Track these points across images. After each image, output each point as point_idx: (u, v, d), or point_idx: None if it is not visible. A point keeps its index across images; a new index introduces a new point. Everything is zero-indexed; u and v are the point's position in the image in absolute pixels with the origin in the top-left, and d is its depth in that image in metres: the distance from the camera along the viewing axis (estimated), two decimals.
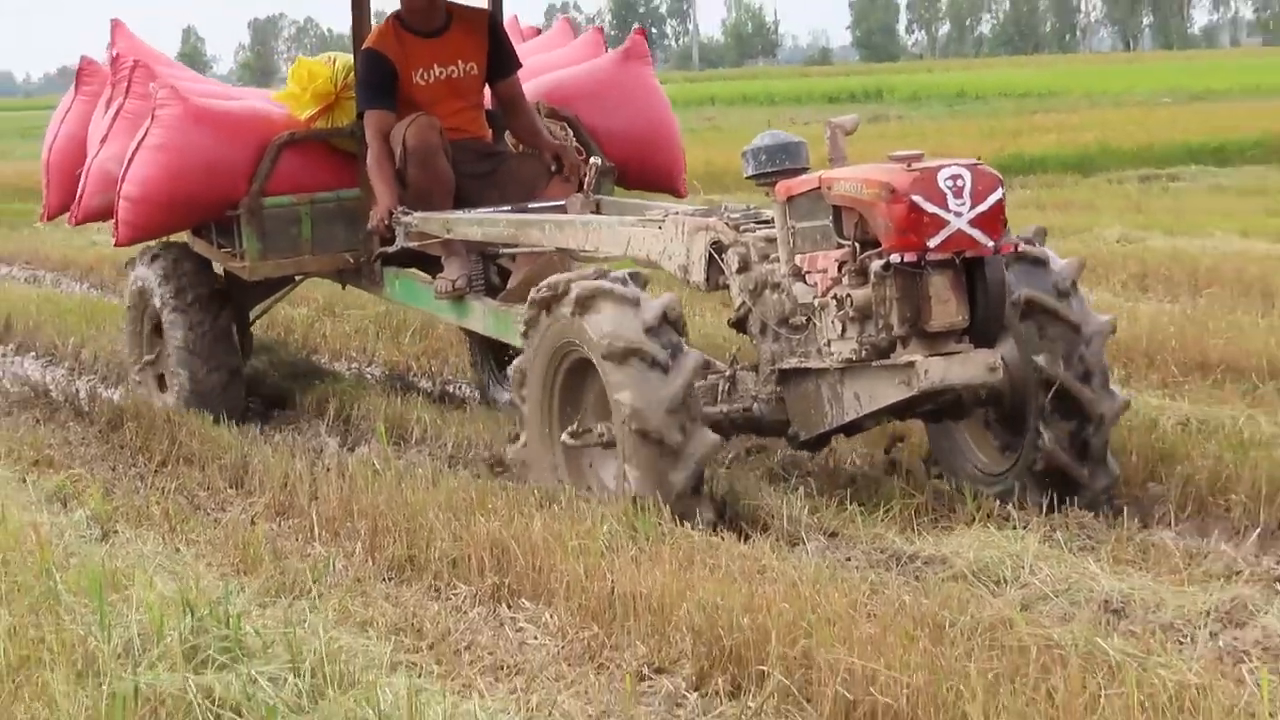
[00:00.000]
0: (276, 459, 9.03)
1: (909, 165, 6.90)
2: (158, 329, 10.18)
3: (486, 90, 9.71)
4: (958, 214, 6.84)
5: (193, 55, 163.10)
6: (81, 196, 10.01)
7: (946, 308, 6.93)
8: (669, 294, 7.54)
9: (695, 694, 5.69)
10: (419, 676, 5.69)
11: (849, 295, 7.04)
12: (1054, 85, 56.67)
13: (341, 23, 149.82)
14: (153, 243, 10.17)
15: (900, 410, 7.43)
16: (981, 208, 6.87)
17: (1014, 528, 7.41)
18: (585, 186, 9.17)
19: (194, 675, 5.34)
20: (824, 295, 7.25)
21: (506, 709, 5.38)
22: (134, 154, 9.43)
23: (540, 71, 10.25)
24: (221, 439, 9.86)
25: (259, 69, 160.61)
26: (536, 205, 9.23)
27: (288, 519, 8.28)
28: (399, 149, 9.09)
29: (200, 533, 7.94)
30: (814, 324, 7.48)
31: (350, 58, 9.69)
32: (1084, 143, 27.62)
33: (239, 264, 9.68)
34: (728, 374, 7.72)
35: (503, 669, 6.05)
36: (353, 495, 8.13)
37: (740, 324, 7.70)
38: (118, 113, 9.85)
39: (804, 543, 7.48)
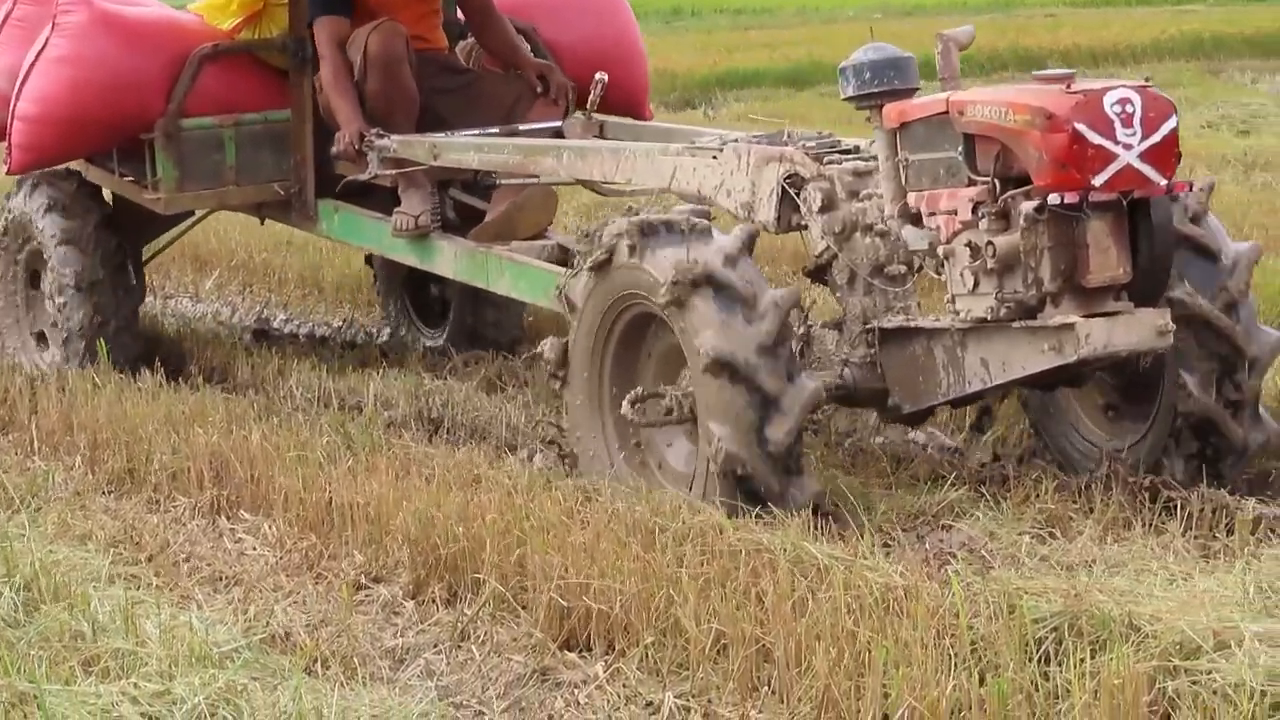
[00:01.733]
0: None
1: (1067, 86, 6.02)
2: (34, 273, 9.36)
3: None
4: (1127, 146, 5.94)
5: None
6: None
7: (1107, 258, 6.01)
8: (746, 224, 6.68)
9: (412, 602, 5.82)
10: (137, 589, 5.73)
11: (990, 243, 6.10)
12: (767, 3, 57.59)
13: None
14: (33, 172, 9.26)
15: (1036, 380, 6.53)
16: (1154, 139, 5.98)
17: None
18: (589, 105, 8.48)
19: None
20: (950, 241, 6.30)
21: (224, 619, 5.43)
22: (31, 67, 8.62)
23: None
24: None
25: None
26: (527, 128, 8.42)
27: (7, 434, 8.29)
28: (358, 59, 8.25)
29: None
30: (917, 274, 6.74)
31: None
32: (796, 58, 28.22)
33: (151, 195, 8.82)
34: (801, 331, 6.68)
35: (221, 580, 6.14)
36: (73, 410, 8.08)
37: (819, 272, 6.73)
38: (5, 20, 9.16)
39: (519, 450, 7.47)
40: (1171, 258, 6.13)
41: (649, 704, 5.08)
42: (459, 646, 5.53)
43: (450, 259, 8.17)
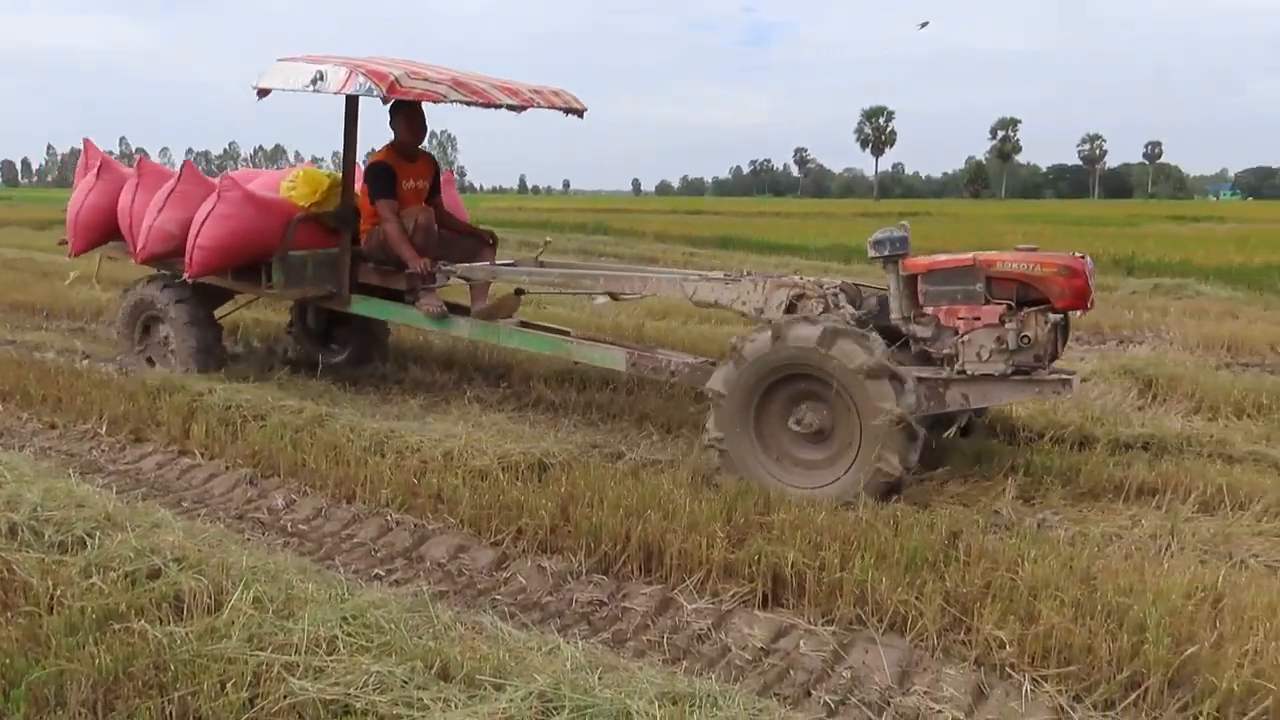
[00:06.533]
0: None
1: (1073, 253, 7.32)
2: (146, 326, 11.44)
3: None
4: (1093, 287, 7.35)
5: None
6: (146, 245, 10.79)
7: (1059, 344, 7.41)
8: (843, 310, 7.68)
9: None
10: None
11: (1024, 335, 7.26)
12: None
13: None
14: (153, 272, 11.31)
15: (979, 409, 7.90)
16: (1094, 281, 7.37)
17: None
18: (538, 255, 10.60)
19: None
20: (968, 334, 7.39)
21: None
22: (205, 220, 10.39)
23: None
24: None
25: None
26: (502, 263, 10.21)
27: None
28: (410, 225, 10.27)
29: None
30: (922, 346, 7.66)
31: (332, 174, 11.08)
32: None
33: (269, 290, 10.62)
34: None
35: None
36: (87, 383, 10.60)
37: None
38: (170, 193, 10.75)
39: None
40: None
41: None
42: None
43: (467, 328, 9.82)
